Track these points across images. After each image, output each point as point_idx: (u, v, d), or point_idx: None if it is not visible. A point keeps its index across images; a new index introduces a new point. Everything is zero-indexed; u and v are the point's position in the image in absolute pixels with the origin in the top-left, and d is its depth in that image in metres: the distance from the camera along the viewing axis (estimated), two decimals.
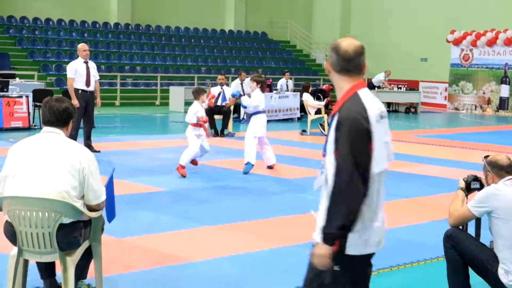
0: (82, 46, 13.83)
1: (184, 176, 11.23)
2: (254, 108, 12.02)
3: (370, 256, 3.78)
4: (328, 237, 3.55)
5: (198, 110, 11.68)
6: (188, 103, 25.04)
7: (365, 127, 3.56)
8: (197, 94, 11.94)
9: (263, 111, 12.08)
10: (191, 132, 11.68)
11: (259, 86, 12.03)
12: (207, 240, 7.41)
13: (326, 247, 3.56)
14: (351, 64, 3.72)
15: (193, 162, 11.92)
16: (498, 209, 5.05)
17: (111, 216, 5.48)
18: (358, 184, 3.51)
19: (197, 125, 11.63)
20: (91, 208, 4.98)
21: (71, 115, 5.02)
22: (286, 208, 9.09)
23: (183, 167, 11.36)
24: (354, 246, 3.64)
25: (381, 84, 29.14)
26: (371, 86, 29.30)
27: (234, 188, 10.55)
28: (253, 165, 11.81)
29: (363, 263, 3.78)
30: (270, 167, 12.20)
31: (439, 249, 5.61)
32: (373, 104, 3.68)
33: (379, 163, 3.64)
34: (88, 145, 13.29)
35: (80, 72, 13.52)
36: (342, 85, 3.75)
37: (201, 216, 8.53)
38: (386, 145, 3.72)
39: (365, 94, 3.71)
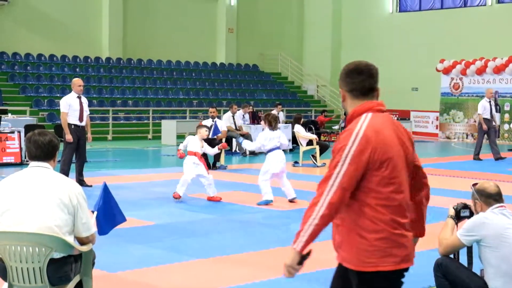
0: (77, 81, 13.80)
1: (178, 198, 11.91)
2: (259, 148, 12.37)
3: None
4: None
5: (188, 142, 12.36)
6: (180, 137, 25.08)
7: None
8: (196, 128, 12.73)
9: (276, 148, 12.03)
10: (187, 160, 12.18)
11: (266, 124, 12.10)
12: (200, 273, 7.40)
13: None
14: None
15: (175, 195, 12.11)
16: (486, 238, 5.06)
17: (103, 230, 5.66)
18: None
19: (193, 154, 12.13)
20: (82, 242, 5.00)
21: (56, 147, 5.07)
22: (279, 240, 9.07)
23: (177, 194, 11.95)
24: None
25: None
26: None
27: (227, 221, 10.54)
28: (269, 201, 11.87)
29: None
30: (291, 201, 12.14)
31: (431, 278, 5.62)
32: None
33: None
34: (80, 180, 13.25)
35: (73, 107, 13.51)
36: None
37: (193, 249, 8.52)
38: None
39: None
